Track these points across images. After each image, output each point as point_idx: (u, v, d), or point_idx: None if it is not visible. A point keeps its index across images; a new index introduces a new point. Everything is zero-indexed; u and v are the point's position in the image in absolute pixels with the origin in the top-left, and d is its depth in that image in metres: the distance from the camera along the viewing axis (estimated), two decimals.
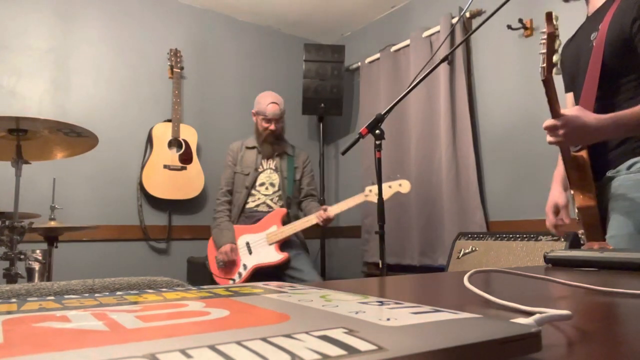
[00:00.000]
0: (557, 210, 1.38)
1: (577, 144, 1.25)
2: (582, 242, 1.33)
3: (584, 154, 1.28)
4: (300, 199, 2.73)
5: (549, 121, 1.14)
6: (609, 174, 1.25)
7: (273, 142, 2.66)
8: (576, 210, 1.28)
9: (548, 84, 1.12)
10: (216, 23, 3.56)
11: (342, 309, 0.26)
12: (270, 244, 2.49)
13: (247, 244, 2.53)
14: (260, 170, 2.65)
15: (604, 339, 0.26)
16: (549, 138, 1.16)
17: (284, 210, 2.58)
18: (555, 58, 1.11)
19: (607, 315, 0.34)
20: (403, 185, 2.33)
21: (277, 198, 2.63)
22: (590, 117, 1.13)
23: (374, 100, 3.54)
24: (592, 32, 1.28)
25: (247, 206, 2.61)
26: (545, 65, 1.11)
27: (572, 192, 1.29)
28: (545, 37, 1.11)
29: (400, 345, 0.18)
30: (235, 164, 2.69)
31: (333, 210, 2.44)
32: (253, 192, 2.62)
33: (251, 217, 2.59)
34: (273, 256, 2.48)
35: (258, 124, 2.68)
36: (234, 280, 2.51)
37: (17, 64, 2.84)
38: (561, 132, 1.13)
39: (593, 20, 1.32)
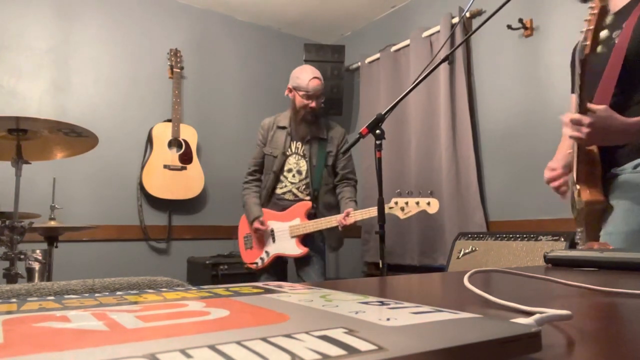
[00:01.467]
0: (555, 172, 1.37)
1: (597, 144, 1.21)
2: (577, 240, 1.32)
3: (594, 148, 1.26)
4: (335, 182, 2.55)
5: (577, 115, 1.09)
6: (614, 171, 1.24)
7: (311, 123, 2.46)
8: (581, 206, 1.27)
9: (585, 64, 1.06)
10: (216, 23, 3.56)
11: (342, 309, 0.26)
12: (292, 237, 2.44)
13: (272, 231, 2.49)
14: (288, 153, 2.49)
15: (604, 339, 0.26)
16: (571, 132, 1.12)
17: (309, 204, 2.44)
18: (602, 34, 1.04)
19: (607, 315, 0.34)
20: (432, 205, 2.12)
21: (303, 187, 2.48)
22: (618, 120, 1.10)
23: (374, 100, 3.54)
24: (615, 30, 1.26)
25: (276, 192, 2.51)
26: (589, 42, 1.04)
27: (577, 187, 1.27)
28: (596, 11, 1.02)
29: (400, 345, 0.18)
30: (265, 144, 2.53)
31: (355, 217, 2.29)
32: (281, 177, 2.49)
33: (278, 204, 2.50)
34: (293, 249, 2.44)
35: (296, 100, 2.45)
36: (256, 263, 2.52)
37: (17, 64, 2.84)
38: (586, 130, 1.09)
39: (615, 19, 1.30)
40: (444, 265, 2.67)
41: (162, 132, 3.15)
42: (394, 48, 3.37)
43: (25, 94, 2.85)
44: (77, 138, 1.88)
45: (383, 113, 1.80)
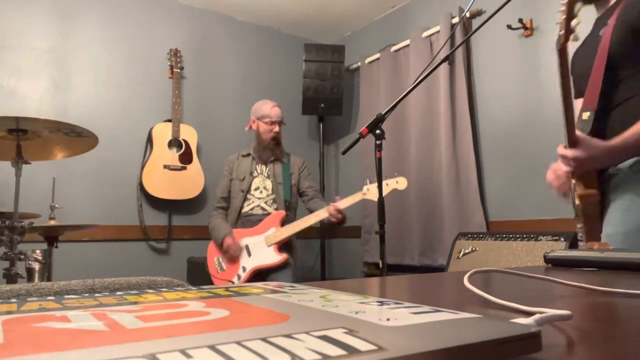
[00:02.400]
0: (558, 175, 1.40)
1: (588, 170, 1.28)
2: (579, 237, 1.32)
3: None
4: (305, 200, 2.75)
5: (562, 151, 1.19)
6: (611, 171, 1.25)
7: (273, 148, 2.70)
8: (577, 201, 1.27)
9: (563, 53, 1.10)
10: (216, 23, 3.56)
11: (342, 309, 0.26)
12: (269, 245, 2.51)
13: (247, 246, 2.54)
14: (254, 175, 2.69)
15: (604, 339, 0.26)
16: (562, 163, 1.22)
17: (283, 212, 2.59)
18: (573, 22, 1.09)
19: (607, 315, 0.34)
20: (400, 182, 2.39)
21: (271, 201, 2.65)
22: (600, 146, 1.16)
23: (374, 100, 3.54)
24: (601, 28, 1.28)
25: (243, 210, 2.64)
26: (563, 32, 1.08)
27: (573, 181, 1.28)
28: (565, 1, 1.08)
29: (400, 345, 0.18)
30: (231, 173, 2.74)
31: (344, 204, 2.44)
32: (248, 196, 2.65)
33: (248, 221, 2.61)
34: (272, 257, 2.49)
35: (260, 129, 2.70)
36: (232, 282, 2.51)
37: (17, 64, 2.84)
38: (573, 164, 1.18)
39: (602, 19, 1.31)
40: (444, 265, 2.67)
41: (162, 132, 3.15)
42: (394, 48, 3.37)
43: (25, 94, 2.85)
44: (77, 138, 1.88)
45: (383, 113, 1.80)
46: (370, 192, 2.38)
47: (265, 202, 2.64)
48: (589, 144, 1.16)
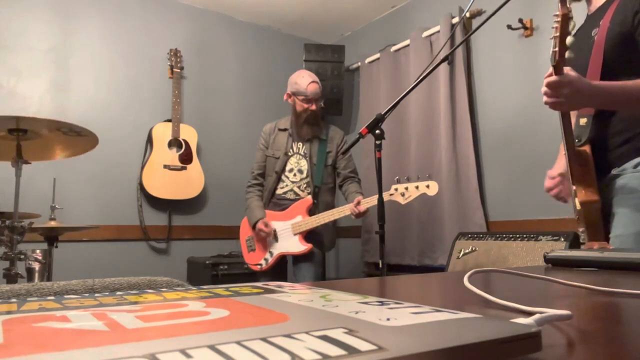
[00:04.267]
0: (554, 180, 1.39)
1: (570, 109, 1.22)
2: (582, 240, 1.32)
3: (587, 148, 1.26)
4: (339, 183, 2.61)
5: (554, 77, 1.10)
6: (614, 172, 1.24)
7: (313, 124, 2.53)
8: (578, 207, 1.27)
9: (558, 70, 1.08)
10: (216, 23, 3.56)
11: (342, 309, 0.26)
12: (295, 234, 2.46)
13: (275, 231, 2.51)
14: (290, 154, 2.56)
15: (604, 339, 0.26)
16: (548, 99, 1.13)
17: (310, 200, 2.49)
18: (568, 41, 1.07)
19: (607, 315, 0.34)
20: (431, 187, 2.17)
21: (304, 185, 2.54)
22: (587, 82, 1.13)
23: (374, 100, 3.54)
24: (593, 29, 1.27)
25: (277, 192, 2.56)
26: (557, 49, 1.07)
27: (574, 187, 1.28)
28: (559, 19, 1.07)
29: (400, 345, 0.18)
30: (267, 147, 2.60)
31: (366, 204, 2.32)
32: (282, 177, 2.56)
33: (279, 204, 2.55)
34: (297, 246, 2.46)
35: (296, 105, 2.54)
36: (260, 265, 2.53)
37: (17, 64, 2.84)
38: (565, 90, 1.10)
39: (594, 18, 1.31)
40: (444, 265, 2.67)
41: (162, 132, 3.15)
42: (394, 48, 3.37)
43: (25, 94, 2.85)
44: (77, 138, 1.88)
45: (383, 113, 1.80)
46: (398, 193, 2.21)
47: (299, 187, 2.54)
48: (573, 74, 1.11)
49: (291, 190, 2.54)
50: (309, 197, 2.51)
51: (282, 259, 2.52)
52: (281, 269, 2.55)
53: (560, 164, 1.41)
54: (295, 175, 2.54)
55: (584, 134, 1.27)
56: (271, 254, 2.51)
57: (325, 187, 2.57)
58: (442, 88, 2.91)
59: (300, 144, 2.56)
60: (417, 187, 2.19)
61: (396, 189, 2.22)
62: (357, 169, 2.64)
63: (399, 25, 3.47)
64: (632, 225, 1.17)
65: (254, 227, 2.50)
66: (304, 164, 2.54)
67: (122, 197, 3.07)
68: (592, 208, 1.23)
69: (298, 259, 2.51)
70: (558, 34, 1.07)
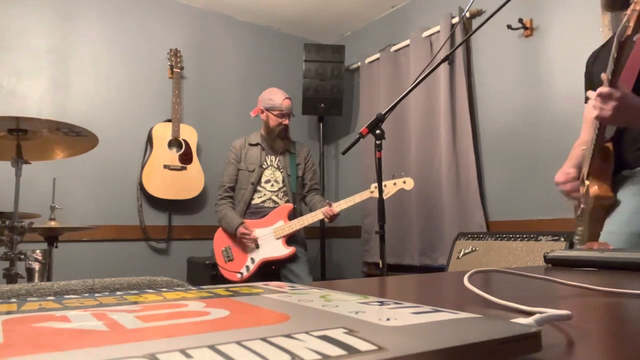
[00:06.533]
0: (568, 175, 1.35)
1: (618, 124, 1.18)
2: (575, 241, 1.31)
3: (610, 145, 1.25)
4: (304, 193, 2.79)
5: (606, 88, 1.06)
6: (625, 173, 1.24)
7: (284, 137, 2.70)
8: (584, 204, 1.26)
9: (624, 46, 1.02)
10: (216, 23, 3.56)
11: (342, 309, 0.26)
12: (277, 239, 2.54)
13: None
14: (264, 166, 2.69)
15: (604, 339, 0.26)
16: (595, 111, 1.10)
17: (291, 205, 2.63)
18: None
19: (607, 315, 0.34)
20: (407, 183, 2.40)
21: (282, 194, 2.68)
22: (637, 99, 1.09)
23: (374, 100, 3.53)
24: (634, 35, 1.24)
25: (253, 202, 2.66)
26: (631, 24, 0.99)
27: (587, 182, 1.26)
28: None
29: (400, 345, 0.18)
30: (239, 161, 2.72)
31: (338, 206, 2.50)
32: (259, 188, 2.67)
33: (257, 213, 2.63)
34: (280, 250, 2.52)
35: (270, 120, 2.68)
36: (241, 273, 2.54)
37: (17, 64, 2.84)
38: (613, 104, 1.06)
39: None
40: (444, 265, 2.67)
41: (162, 132, 3.15)
42: (394, 48, 3.37)
43: (25, 94, 2.85)
44: (77, 138, 1.88)
45: (383, 113, 1.80)
46: (378, 190, 2.37)
47: (277, 195, 2.68)
48: (626, 90, 1.07)
49: (269, 199, 2.67)
50: (289, 203, 2.65)
51: (265, 266, 2.54)
52: (263, 278, 2.56)
53: (574, 162, 1.38)
54: (272, 185, 2.68)
55: (610, 130, 1.26)
56: (252, 260, 2.53)
57: (298, 196, 2.76)
58: (442, 88, 2.91)
59: (273, 157, 2.73)
60: (394, 184, 2.41)
61: (376, 187, 2.38)
62: (319, 182, 2.91)
63: (399, 25, 3.47)
64: (627, 225, 1.17)
65: (234, 233, 2.53)
66: (279, 175, 2.70)
67: (122, 197, 3.07)
68: (603, 204, 1.22)
69: (285, 263, 2.55)
70: (638, 8, 0.97)
